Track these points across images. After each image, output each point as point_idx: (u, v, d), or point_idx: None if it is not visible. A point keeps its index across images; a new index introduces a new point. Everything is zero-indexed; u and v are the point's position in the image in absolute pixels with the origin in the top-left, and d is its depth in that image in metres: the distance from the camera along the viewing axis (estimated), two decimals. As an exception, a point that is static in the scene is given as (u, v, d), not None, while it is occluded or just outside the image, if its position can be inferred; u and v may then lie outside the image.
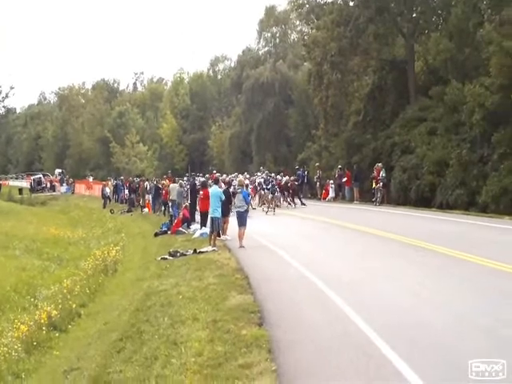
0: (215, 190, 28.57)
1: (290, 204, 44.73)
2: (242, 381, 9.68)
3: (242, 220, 28.04)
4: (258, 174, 48.56)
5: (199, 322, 13.76)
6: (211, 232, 28.33)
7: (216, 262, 22.65)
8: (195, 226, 33.29)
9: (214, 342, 11.97)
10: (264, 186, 43.78)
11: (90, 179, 79.08)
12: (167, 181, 41.40)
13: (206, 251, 26.07)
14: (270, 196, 43.11)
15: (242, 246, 26.86)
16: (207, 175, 47.04)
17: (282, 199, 44.09)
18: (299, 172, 52.95)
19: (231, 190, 36.25)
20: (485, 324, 12.93)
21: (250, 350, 11.20)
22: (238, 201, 28.84)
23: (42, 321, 22.62)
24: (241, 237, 27.57)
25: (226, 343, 11.78)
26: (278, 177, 46.75)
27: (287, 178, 45.60)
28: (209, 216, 28.93)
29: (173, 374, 10.39)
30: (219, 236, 28.62)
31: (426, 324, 13.18)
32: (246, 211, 29.33)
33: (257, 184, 40.68)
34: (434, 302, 15.24)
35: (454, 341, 11.96)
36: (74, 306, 25.04)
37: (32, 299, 27.17)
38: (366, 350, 11.38)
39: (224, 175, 44.66)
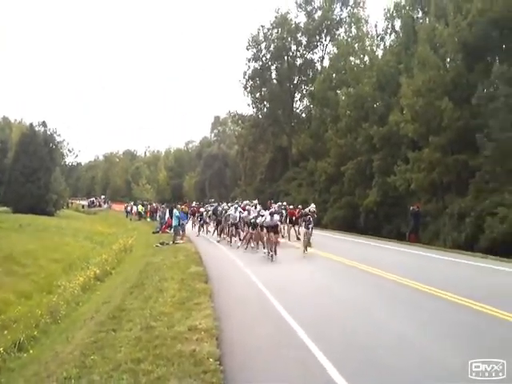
0: (176, 212, 28.05)
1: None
2: (195, 311, 9.85)
3: (183, 228, 28.25)
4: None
5: (174, 279, 13.85)
6: (179, 233, 27.97)
7: (184, 248, 22.58)
8: (173, 229, 32.73)
9: (181, 290, 12.09)
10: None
11: (132, 203, 77.35)
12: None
13: (179, 242, 25.84)
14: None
15: (182, 242, 26.46)
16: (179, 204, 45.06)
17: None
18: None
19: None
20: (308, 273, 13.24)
21: (200, 295, 11.41)
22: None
23: (91, 275, 23.11)
24: (184, 236, 27.90)
25: (188, 291, 11.93)
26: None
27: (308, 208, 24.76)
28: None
29: (159, 306, 10.59)
30: (183, 236, 28.07)
31: (286, 280, 12.89)
32: (186, 223, 29.44)
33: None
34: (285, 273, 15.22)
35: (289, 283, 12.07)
36: (108, 268, 25.19)
37: (86, 264, 27.44)
38: (255, 289, 11.48)
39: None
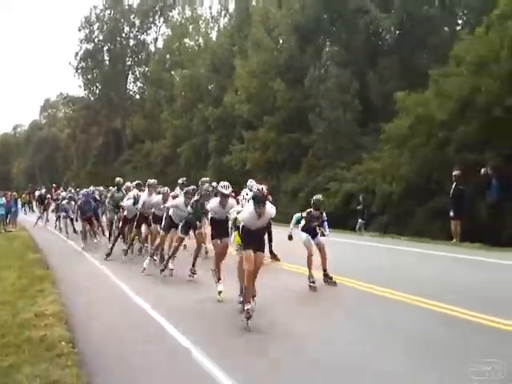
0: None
1: None
2: (39, 297, 9.35)
3: (15, 215, 26.09)
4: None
5: (12, 267, 12.87)
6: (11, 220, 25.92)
7: (19, 236, 21.35)
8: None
9: (21, 278, 11.40)
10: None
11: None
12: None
13: (11, 231, 24.24)
14: None
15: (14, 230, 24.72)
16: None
17: None
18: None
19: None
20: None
21: (42, 281, 10.80)
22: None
23: None
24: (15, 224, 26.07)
25: (28, 278, 11.23)
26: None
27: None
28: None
29: (-1, 295, 9.86)
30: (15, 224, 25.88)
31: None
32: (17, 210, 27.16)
33: None
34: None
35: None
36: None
37: None
38: (101, 274, 11.50)
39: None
